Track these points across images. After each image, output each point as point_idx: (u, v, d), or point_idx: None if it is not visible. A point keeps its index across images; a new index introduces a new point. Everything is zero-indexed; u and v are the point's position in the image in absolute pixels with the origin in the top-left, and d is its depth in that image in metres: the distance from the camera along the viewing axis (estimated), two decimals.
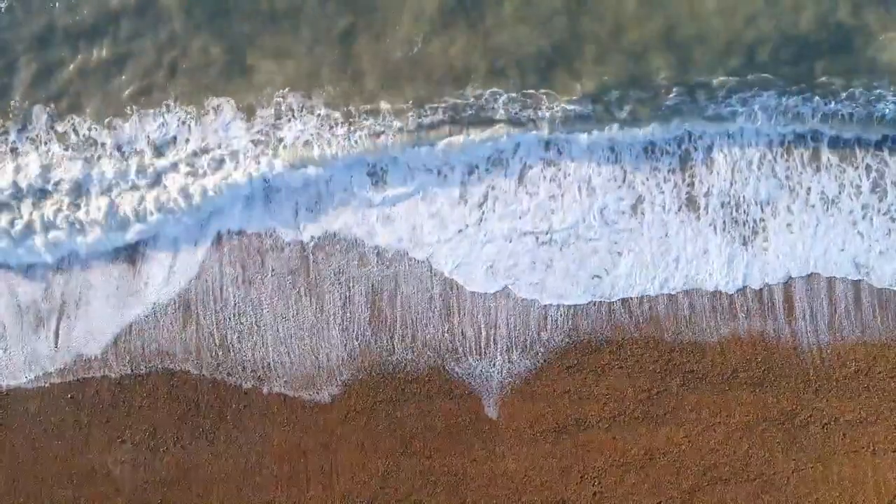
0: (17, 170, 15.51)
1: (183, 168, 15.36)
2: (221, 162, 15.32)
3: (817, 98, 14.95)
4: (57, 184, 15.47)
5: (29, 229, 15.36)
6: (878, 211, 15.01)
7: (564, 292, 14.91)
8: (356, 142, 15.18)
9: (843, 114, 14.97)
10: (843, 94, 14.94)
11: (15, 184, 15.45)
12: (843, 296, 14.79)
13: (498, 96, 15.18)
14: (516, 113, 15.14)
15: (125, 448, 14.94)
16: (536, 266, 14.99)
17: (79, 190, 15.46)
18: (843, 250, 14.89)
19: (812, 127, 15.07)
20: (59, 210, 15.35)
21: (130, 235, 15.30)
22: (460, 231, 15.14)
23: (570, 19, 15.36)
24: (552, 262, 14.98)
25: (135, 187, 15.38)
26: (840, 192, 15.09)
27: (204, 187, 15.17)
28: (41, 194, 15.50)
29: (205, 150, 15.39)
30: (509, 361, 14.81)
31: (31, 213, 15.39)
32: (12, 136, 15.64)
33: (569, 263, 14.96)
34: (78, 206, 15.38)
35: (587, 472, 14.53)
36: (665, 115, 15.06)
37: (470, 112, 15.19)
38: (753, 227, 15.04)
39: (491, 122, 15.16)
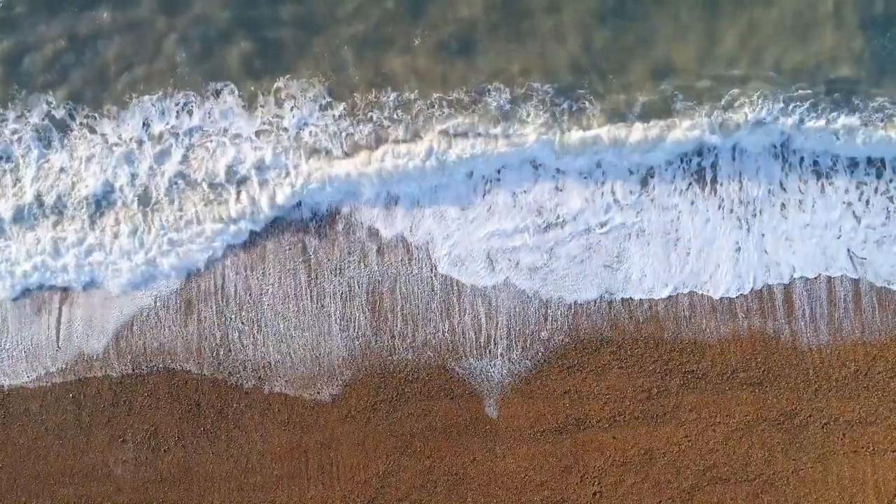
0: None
1: (195, 195, 15.33)
2: (238, 189, 15.21)
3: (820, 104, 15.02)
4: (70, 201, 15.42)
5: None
6: (876, 191, 15.04)
7: (569, 287, 14.96)
8: (381, 161, 15.00)
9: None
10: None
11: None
12: (843, 295, 14.81)
13: (519, 99, 15.11)
14: (533, 117, 15.04)
15: (126, 447, 14.97)
16: (539, 260, 15.01)
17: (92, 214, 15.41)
18: (839, 237, 14.92)
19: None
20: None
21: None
22: (461, 225, 15.11)
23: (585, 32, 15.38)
24: (556, 255, 15.01)
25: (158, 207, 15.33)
26: (834, 165, 15.11)
27: (216, 217, 15.21)
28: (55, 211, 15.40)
29: (216, 177, 15.27)
30: (509, 361, 14.82)
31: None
32: (11, 136, 15.41)
33: (574, 257, 14.99)
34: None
35: (587, 472, 14.54)
36: (675, 118, 15.03)
37: (481, 115, 15.12)
38: (753, 213, 15.05)
39: (501, 129, 15.11)
